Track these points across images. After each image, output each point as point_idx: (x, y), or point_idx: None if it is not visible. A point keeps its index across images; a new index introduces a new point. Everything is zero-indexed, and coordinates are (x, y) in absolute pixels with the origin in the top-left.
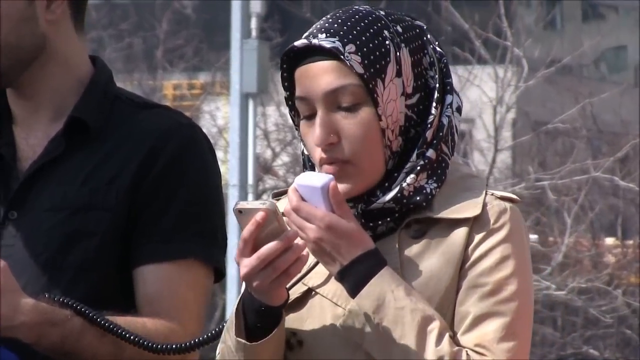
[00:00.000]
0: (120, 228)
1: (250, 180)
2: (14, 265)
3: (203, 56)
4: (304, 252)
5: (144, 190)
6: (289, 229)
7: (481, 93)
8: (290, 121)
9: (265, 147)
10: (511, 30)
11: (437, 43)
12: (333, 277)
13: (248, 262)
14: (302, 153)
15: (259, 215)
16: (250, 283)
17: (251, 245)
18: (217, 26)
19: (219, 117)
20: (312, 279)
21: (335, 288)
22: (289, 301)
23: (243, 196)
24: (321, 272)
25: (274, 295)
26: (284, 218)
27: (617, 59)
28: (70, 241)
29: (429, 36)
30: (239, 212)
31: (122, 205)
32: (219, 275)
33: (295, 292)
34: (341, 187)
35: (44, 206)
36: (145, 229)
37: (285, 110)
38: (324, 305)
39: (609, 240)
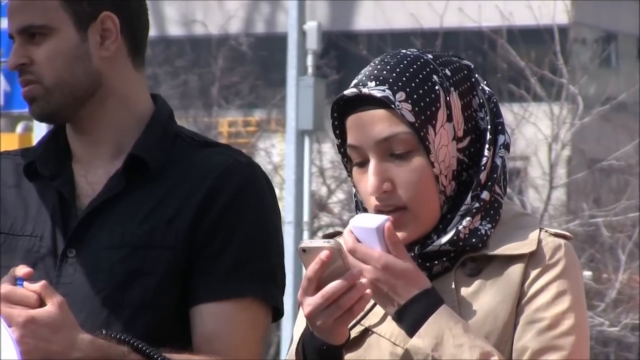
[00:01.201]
0: (179, 267)
1: (306, 217)
2: (72, 302)
3: (259, 93)
4: (368, 291)
5: (203, 230)
6: (351, 267)
7: (536, 130)
8: None
9: (321, 185)
10: (567, 67)
11: (485, 82)
12: (390, 317)
13: (312, 301)
14: (355, 196)
15: (324, 254)
16: (313, 321)
17: (315, 283)
18: (272, 63)
19: (274, 154)
20: (369, 319)
21: (392, 327)
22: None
23: (299, 233)
24: (378, 311)
25: (336, 334)
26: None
27: None
28: (129, 279)
29: (477, 76)
30: (303, 251)
31: (182, 244)
32: (277, 314)
33: (353, 332)
34: (398, 234)
35: (103, 244)
36: (204, 268)
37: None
38: (381, 345)
39: None
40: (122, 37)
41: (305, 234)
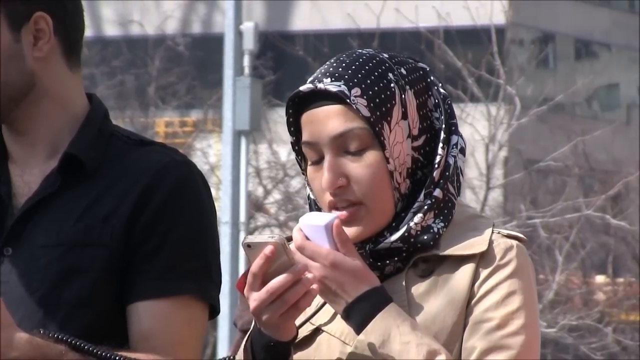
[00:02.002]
0: (115, 265)
1: (242, 217)
2: (9, 301)
3: (195, 93)
4: (314, 286)
5: (139, 228)
6: (297, 262)
7: (473, 131)
8: (282, 159)
9: (257, 185)
10: (504, 68)
11: (440, 85)
12: (340, 316)
13: (257, 296)
14: (309, 197)
15: (268, 249)
16: (259, 317)
17: (260, 279)
18: (209, 64)
19: (211, 155)
20: (320, 318)
21: (342, 326)
22: (297, 340)
23: (235, 234)
24: (328, 310)
25: (283, 330)
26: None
27: (609, 97)
28: (65, 278)
29: (432, 78)
30: (248, 247)
31: (118, 242)
32: (214, 312)
33: (303, 331)
34: (352, 230)
35: (39, 242)
36: (141, 266)
37: (277, 147)
38: (331, 344)
39: (600, 278)
40: (55, 37)
41: (242, 235)
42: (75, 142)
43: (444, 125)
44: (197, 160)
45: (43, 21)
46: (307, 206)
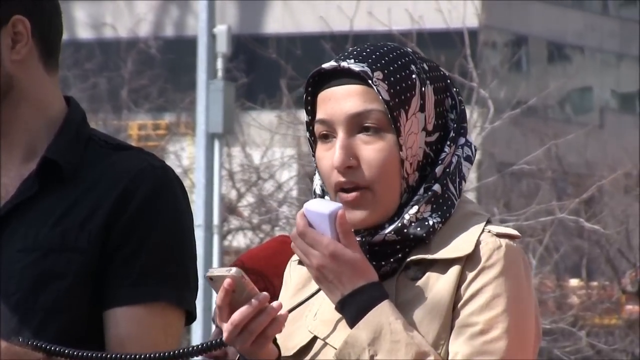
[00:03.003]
0: (92, 270)
1: (216, 220)
2: None
3: (168, 96)
4: (282, 312)
5: (116, 233)
6: (258, 293)
7: None
8: (255, 162)
9: (231, 188)
10: (477, 71)
11: (456, 90)
12: (338, 325)
13: (226, 327)
14: (312, 180)
15: (226, 282)
16: (234, 346)
17: (226, 310)
18: (181, 66)
19: (184, 158)
20: (319, 328)
21: (340, 336)
22: (296, 350)
23: (208, 237)
24: (326, 320)
25: (260, 355)
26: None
27: (582, 100)
28: (41, 282)
29: (449, 78)
30: (211, 279)
31: (94, 247)
32: (190, 318)
33: (301, 342)
34: (357, 214)
35: (16, 247)
36: (117, 272)
37: (251, 150)
38: (328, 353)
39: (574, 282)
40: (33, 40)
41: (215, 238)
42: (53, 146)
43: (454, 125)
44: (170, 163)
45: (21, 24)
46: (281, 208)
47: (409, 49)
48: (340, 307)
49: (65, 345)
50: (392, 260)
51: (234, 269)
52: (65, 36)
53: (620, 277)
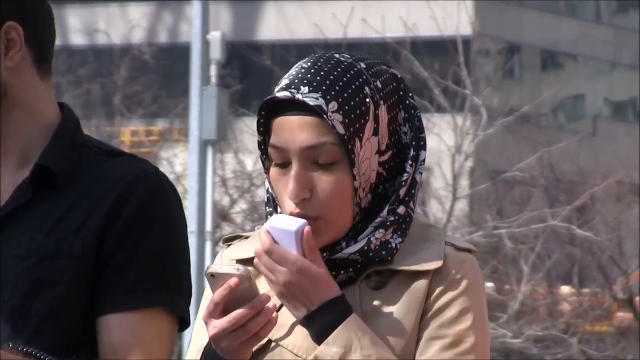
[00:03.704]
0: (86, 277)
1: (208, 227)
2: None
3: (161, 103)
4: (274, 315)
5: (110, 239)
6: (259, 293)
7: (440, 141)
8: (248, 168)
9: (223, 194)
10: (470, 78)
11: (410, 95)
12: (294, 329)
13: (218, 324)
14: (267, 191)
15: (232, 281)
16: (218, 343)
17: (221, 307)
18: (175, 73)
19: (177, 164)
20: (274, 331)
21: (296, 340)
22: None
23: (201, 243)
24: (281, 323)
25: (240, 355)
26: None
27: (575, 108)
28: (35, 289)
29: (403, 86)
30: (212, 276)
31: (89, 253)
32: (184, 324)
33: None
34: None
35: (10, 253)
36: (111, 278)
37: (244, 157)
38: (284, 358)
39: (565, 289)
40: (27, 47)
41: (208, 244)
42: (47, 152)
43: (413, 142)
44: (163, 169)
45: (14, 31)
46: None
47: (362, 65)
48: (306, 322)
49: (60, 352)
50: (350, 269)
51: (242, 268)
52: (58, 42)
53: (612, 284)
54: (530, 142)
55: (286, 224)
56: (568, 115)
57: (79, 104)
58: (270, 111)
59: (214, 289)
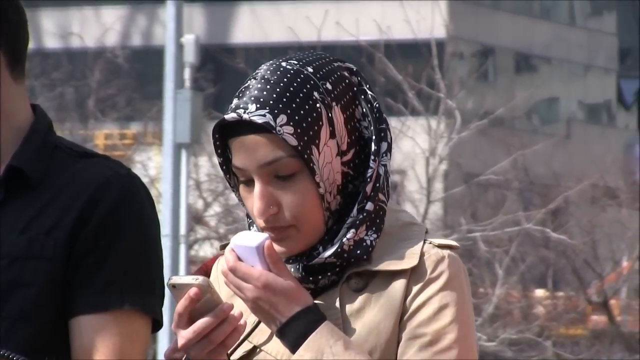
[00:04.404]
0: (58, 278)
1: (182, 230)
2: None
3: (135, 106)
4: (241, 322)
5: (82, 241)
6: (223, 301)
7: (414, 144)
8: (222, 172)
9: (197, 198)
10: (444, 81)
11: (367, 86)
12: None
13: (185, 334)
14: (245, 210)
15: (192, 291)
16: (188, 353)
17: (186, 318)
18: (149, 76)
19: (151, 167)
20: (257, 337)
21: (280, 345)
22: (236, 359)
23: (175, 246)
24: (266, 329)
25: None
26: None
27: (549, 111)
28: (7, 290)
29: (359, 79)
30: (173, 287)
31: (61, 255)
32: (157, 325)
33: (240, 350)
34: (282, 248)
35: None
36: (83, 279)
37: (218, 160)
38: None
39: (540, 292)
40: (0, 50)
41: (182, 247)
42: (19, 154)
43: (374, 136)
44: (137, 172)
45: None
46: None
47: (309, 70)
48: (280, 335)
49: (33, 354)
50: (329, 274)
51: (200, 278)
52: (32, 45)
53: (586, 287)
54: (504, 145)
55: (248, 240)
56: (542, 118)
57: (52, 107)
58: (225, 132)
59: (177, 300)
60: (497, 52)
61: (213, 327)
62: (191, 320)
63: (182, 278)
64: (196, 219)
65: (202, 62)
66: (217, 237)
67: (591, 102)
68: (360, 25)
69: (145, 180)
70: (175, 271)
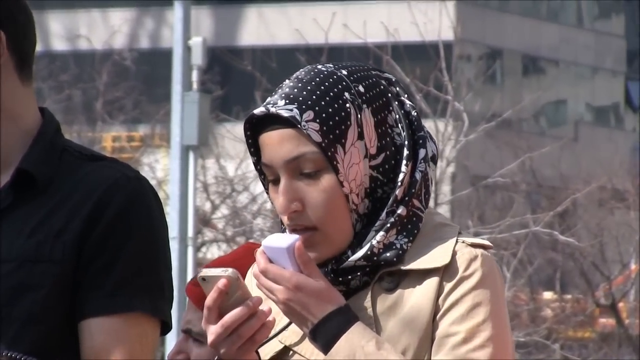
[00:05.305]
0: (67, 281)
1: (190, 232)
2: None
3: (142, 108)
4: (270, 318)
5: (90, 244)
6: (251, 296)
7: None
8: (230, 174)
9: (205, 200)
10: (452, 84)
11: (406, 95)
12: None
13: (214, 330)
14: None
15: (221, 283)
16: (218, 350)
17: (216, 312)
18: (156, 78)
19: (158, 170)
20: (289, 337)
21: (311, 346)
22: (267, 359)
23: (183, 249)
24: (297, 330)
25: None
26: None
27: (556, 113)
28: (16, 294)
29: (397, 89)
30: (203, 280)
31: (69, 257)
32: (166, 328)
33: (271, 351)
34: (313, 253)
35: None
36: (92, 282)
37: (225, 162)
38: None
39: (548, 295)
40: (8, 52)
41: (190, 250)
42: (27, 157)
43: (406, 141)
44: (145, 175)
45: None
46: (255, 220)
47: (343, 72)
48: (312, 336)
49: (42, 356)
50: (359, 274)
51: (230, 270)
52: (39, 48)
53: (594, 290)
54: (511, 148)
55: (279, 241)
56: (550, 120)
57: (60, 110)
58: (257, 129)
59: (207, 293)
60: (504, 55)
61: (242, 322)
62: (221, 316)
63: (212, 270)
64: (204, 221)
65: (210, 64)
66: (224, 240)
67: (599, 105)
68: (368, 28)
69: (152, 182)
70: (183, 273)
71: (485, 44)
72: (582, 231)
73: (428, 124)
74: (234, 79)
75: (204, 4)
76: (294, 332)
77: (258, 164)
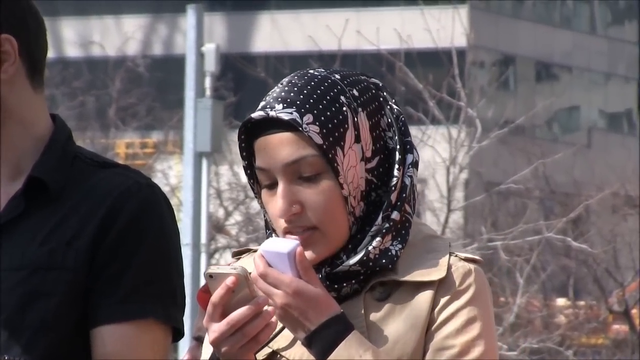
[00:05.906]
0: (79, 288)
1: (203, 239)
2: None
3: (156, 115)
4: (273, 319)
5: (102, 251)
6: (259, 294)
7: (434, 153)
8: (243, 180)
9: (218, 206)
10: (465, 90)
11: (394, 101)
12: (299, 341)
13: (217, 327)
14: (264, 215)
15: (229, 280)
16: (218, 348)
17: (220, 310)
18: (169, 85)
19: (172, 176)
20: (278, 342)
21: (302, 352)
22: None
23: (196, 255)
24: (287, 335)
25: None
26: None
27: (569, 120)
28: (28, 301)
29: (385, 94)
30: (210, 277)
31: (82, 265)
32: (178, 334)
33: (260, 355)
34: (307, 254)
35: (3, 266)
36: (104, 289)
37: (238, 169)
38: None
39: (561, 301)
40: (20, 59)
41: (203, 256)
42: (39, 164)
43: (398, 145)
44: (158, 181)
45: (8, 43)
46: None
47: (336, 77)
48: (307, 343)
49: None
50: (353, 282)
51: (239, 267)
52: (53, 54)
53: (607, 296)
54: (524, 154)
55: (279, 246)
56: (563, 126)
57: (73, 116)
58: (251, 134)
59: (213, 291)
60: (517, 61)
61: (247, 320)
62: (224, 315)
63: (220, 267)
64: (217, 227)
65: (223, 71)
66: (237, 246)
67: (612, 111)
68: (381, 34)
69: (166, 189)
70: (196, 280)
71: (498, 50)
72: (595, 237)
73: (441, 130)
74: (247, 86)
75: (217, 11)
76: (283, 337)
77: (249, 168)
